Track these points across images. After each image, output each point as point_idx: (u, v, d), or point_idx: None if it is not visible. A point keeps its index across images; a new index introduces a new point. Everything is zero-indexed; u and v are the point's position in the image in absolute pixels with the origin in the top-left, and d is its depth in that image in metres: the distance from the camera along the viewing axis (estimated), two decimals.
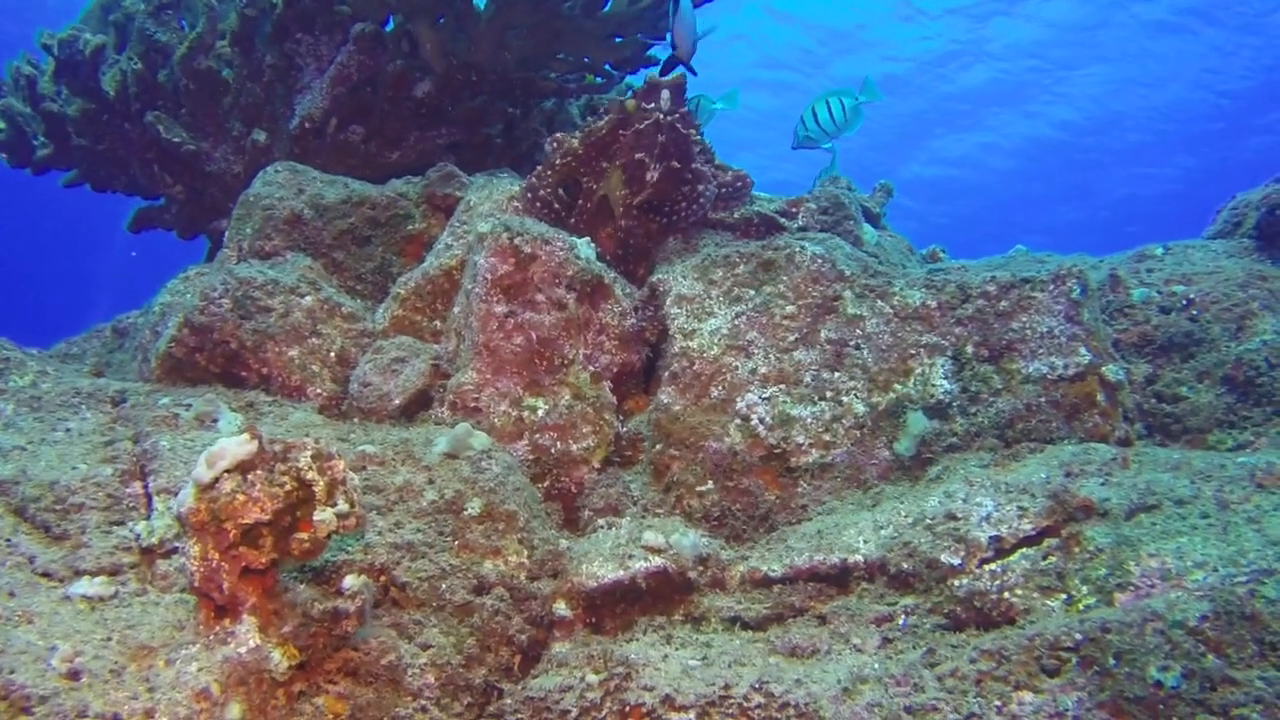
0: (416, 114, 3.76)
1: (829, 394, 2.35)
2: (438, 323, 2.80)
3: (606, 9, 3.76)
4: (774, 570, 2.03)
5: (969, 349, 2.38)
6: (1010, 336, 2.35)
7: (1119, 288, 2.74)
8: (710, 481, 2.34)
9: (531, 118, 4.23)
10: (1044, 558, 1.73)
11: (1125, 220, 23.63)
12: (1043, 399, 2.28)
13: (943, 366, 2.37)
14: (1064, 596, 1.67)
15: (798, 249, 2.49)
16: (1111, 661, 1.45)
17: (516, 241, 2.47)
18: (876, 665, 1.65)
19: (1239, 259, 2.83)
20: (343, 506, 1.78)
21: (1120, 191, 22.88)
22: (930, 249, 3.55)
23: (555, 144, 2.85)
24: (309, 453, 1.75)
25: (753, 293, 2.48)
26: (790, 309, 2.44)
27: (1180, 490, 1.76)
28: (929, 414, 2.34)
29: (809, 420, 2.33)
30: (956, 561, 1.78)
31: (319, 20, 3.53)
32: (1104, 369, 2.27)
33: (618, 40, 3.78)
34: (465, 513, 2.23)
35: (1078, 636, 1.49)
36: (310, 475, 1.74)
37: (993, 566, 1.76)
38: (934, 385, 2.36)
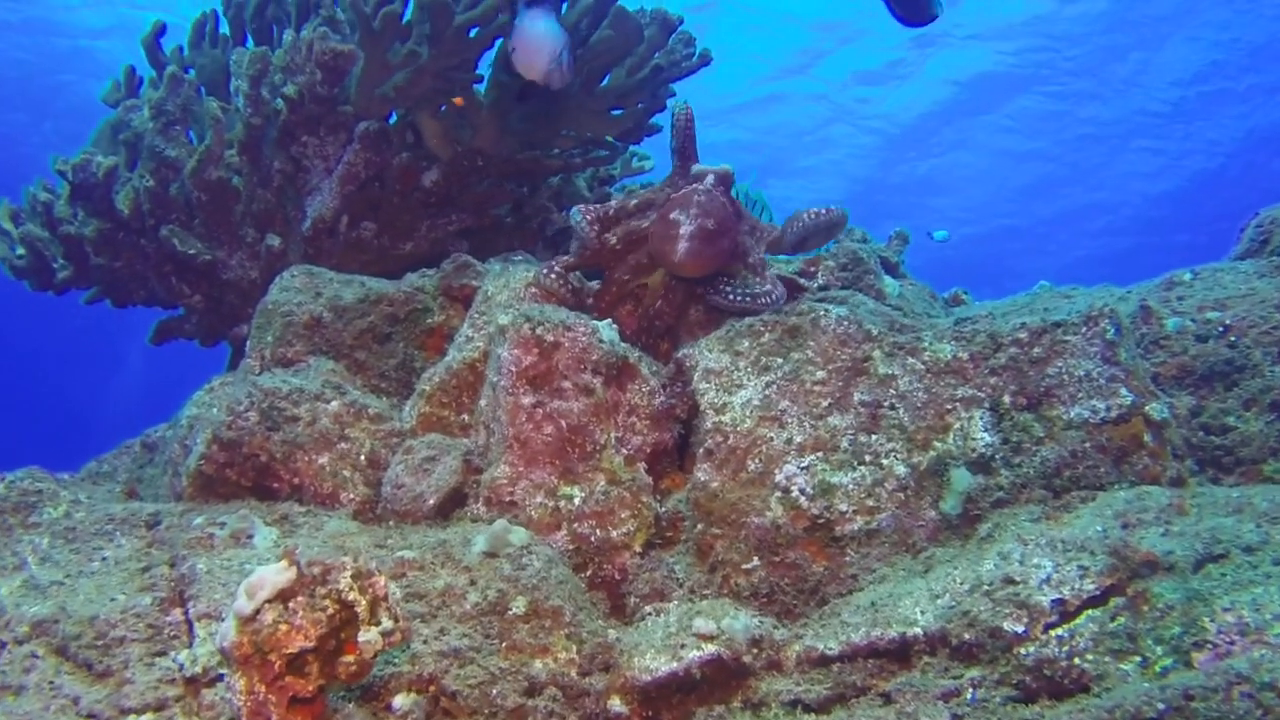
0: (426, 204, 3.77)
1: (868, 458, 2.30)
2: (465, 416, 2.77)
3: (605, 83, 3.78)
4: (831, 648, 1.97)
5: (1006, 399, 2.33)
6: (1048, 383, 2.30)
7: (1151, 319, 2.69)
8: (755, 558, 2.29)
9: (539, 194, 4.24)
10: (1112, 619, 1.67)
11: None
12: (1088, 444, 2.23)
13: (981, 419, 2.33)
14: (1138, 659, 1.61)
15: (821, 312, 2.46)
16: None
17: (539, 331, 2.45)
18: None
19: (1271, 278, 2.77)
20: (387, 624, 1.75)
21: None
22: (953, 292, 3.51)
23: (589, 244, 2.82)
24: (349, 573, 1.73)
25: (781, 361, 2.44)
26: (820, 374, 2.40)
27: (1247, 536, 1.70)
28: (972, 469, 2.29)
29: (850, 487, 2.28)
30: (1020, 629, 1.72)
31: (323, 122, 3.56)
32: (1148, 408, 2.21)
33: (617, 113, 3.80)
34: (510, 612, 2.18)
35: (1160, 706, 1.42)
36: (352, 596, 1.72)
37: (1059, 631, 1.70)
38: (974, 439, 2.31)
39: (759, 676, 2.04)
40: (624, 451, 2.51)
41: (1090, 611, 1.70)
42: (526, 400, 2.45)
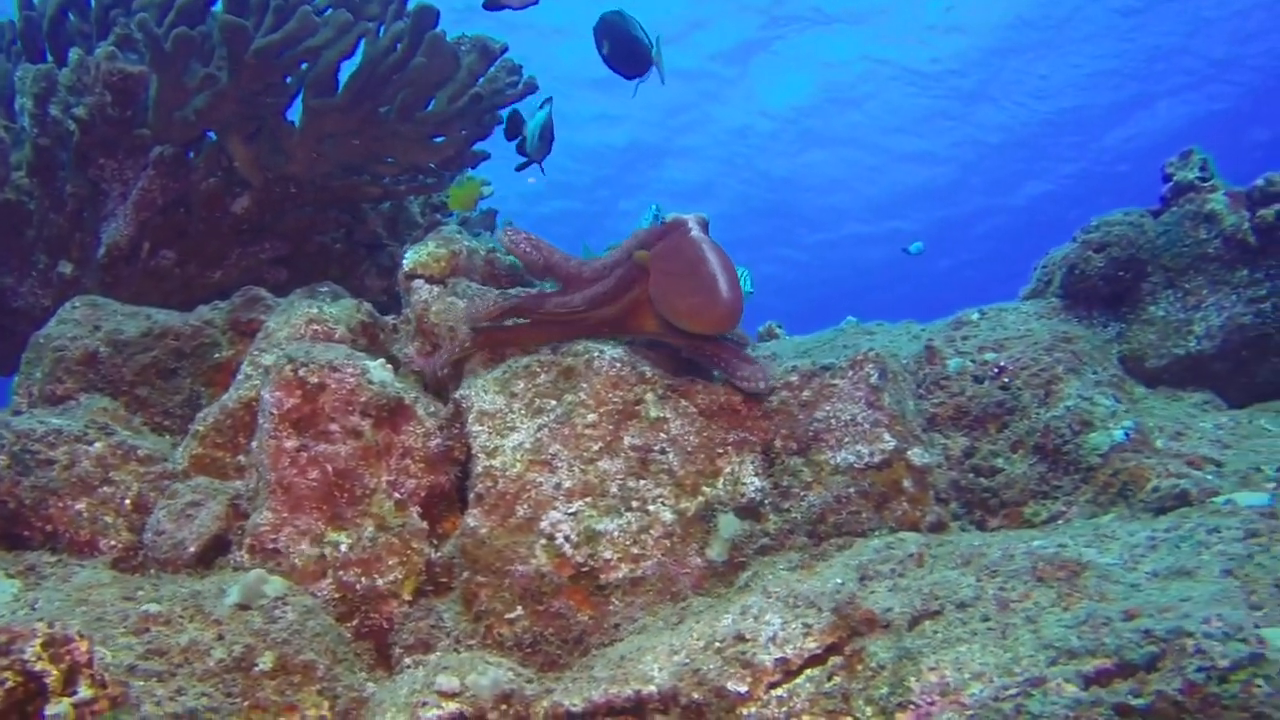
0: (237, 231, 3.64)
1: (635, 504, 2.26)
2: (241, 458, 2.66)
3: (427, 109, 3.70)
4: (575, 705, 1.91)
5: (778, 443, 2.32)
6: (816, 427, 2.29)
7: (935, 359, 2.71)
8: (520, 607, 2.22)
9: (369, 221, 4.14)
10: (829, 678, 1.64)
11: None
12: (852, 489, 2.22)
13: (752, 463, 2.30)
14: (850, 719, 1.58)
15: (596, 353, 2.41)
16: None
17: (301, 373, 2.36)
18: None
19: (1048, 320, 2.82)
20: (85, 693, 1.63)
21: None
22: (766, 326, 3.51)
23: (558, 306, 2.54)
24: (38, 640, 1.61)
25: (554, 403, 2.39)
26: (592, 417, 2.35)
27: (963, 591, 1.69)
28: (741, 514, 2.27)
29: (616, 533, 2.23)
30: (744, 689, 1.69)
31: (121, 145, 3.40)
32: (909, 453, 2.21)
33: (439, 140, 3.72)
34: (256, 668, 2.08)
35: None
36: (40, 666, 1.59)
37: (779, 691, 1.66)
38: (744, 484, 2.28)
39: None
40: (396, 495, 2.42)
41: (810, 671, 1.67)
42: (289, 444, 2.35)
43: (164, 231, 3.50)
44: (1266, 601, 1.57)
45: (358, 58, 3.48)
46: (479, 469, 2.37)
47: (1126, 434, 2.33)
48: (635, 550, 2.23)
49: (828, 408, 2.29)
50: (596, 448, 2.33)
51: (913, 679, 1.56)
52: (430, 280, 2.77)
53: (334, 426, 2.38)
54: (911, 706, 1.54)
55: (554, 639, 2.22)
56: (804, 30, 16.35)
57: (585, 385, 2.39)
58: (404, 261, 2.80)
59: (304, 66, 3.40)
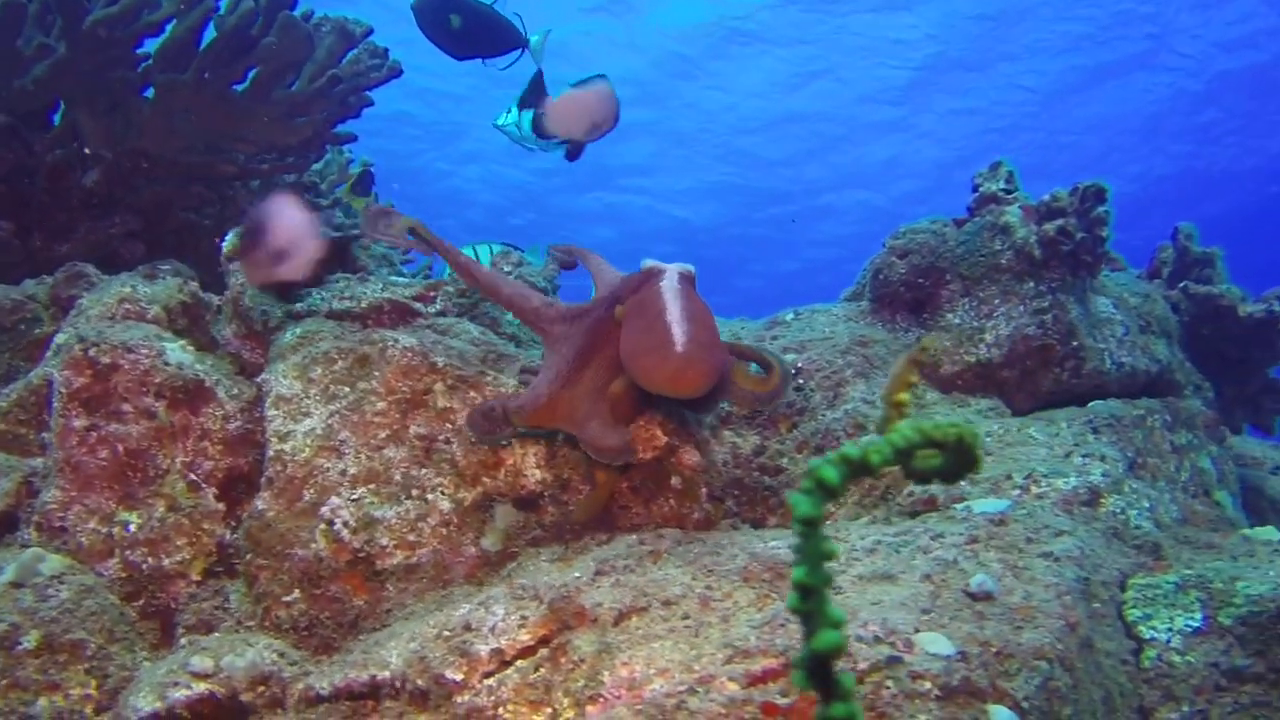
0: (87, 204, 3.61)
1: (415, 492, 2.30)
2: (46, 435, 2.66)
3: (290, 88, 3.70)
4: (324, 688, 1.95)
5: (560, 436, 2.36)
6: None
7: None
8: (297, 590, 2.26)
9: (238, 199, 4.12)
10: (535, 669, 1.70)
11: None
12: (625, 484, 2.27)
13: (535, 455, 2.35)
14: (549, 710, 1.64)
15: (390, 342, 2.44)
16: None
17: (92, 353, 2.37)
18: None
19: (853, 323, 2.89)
20: None
21: None
22: None
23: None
24: None
25: (348, 390, 2.42)
26: (381, 405, 2.38)
27: (673, 589, 1.75)
28: (520, 505, 2.32)
29: (394, 521, 2.27)
30: (459, 678, 1.74)
31: None
32: (680, 451, 2.27)
33: (298, 121, 3.72)
34: (19, 647, 2.11)
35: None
36: None
37: (490, 681, 1.72)
38: (525, 475, 2.33)
39: (260, 715, 2.02)
40: (191, 477, 2.45)
41: (520, 662, 1.72)
42: (78, 423, 2.36)
43: (8, 202, 3.47)
44: (948, 606, 1.65)
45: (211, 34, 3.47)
46: (271, 453, 2.40)
47: None
48: (412, 538, 2.27)
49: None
50: (384, 435, 2.37)
51: (606, 673, 1.62)
52: None
53: (126, 407, 2.40)
54: (601, 699, 1.60)
55: (329, 623, 2.26)
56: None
57: (378, 373, 2.42)
58: (224, 243, 2.81)
59: (153, 41, 3.38)
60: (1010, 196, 2.92)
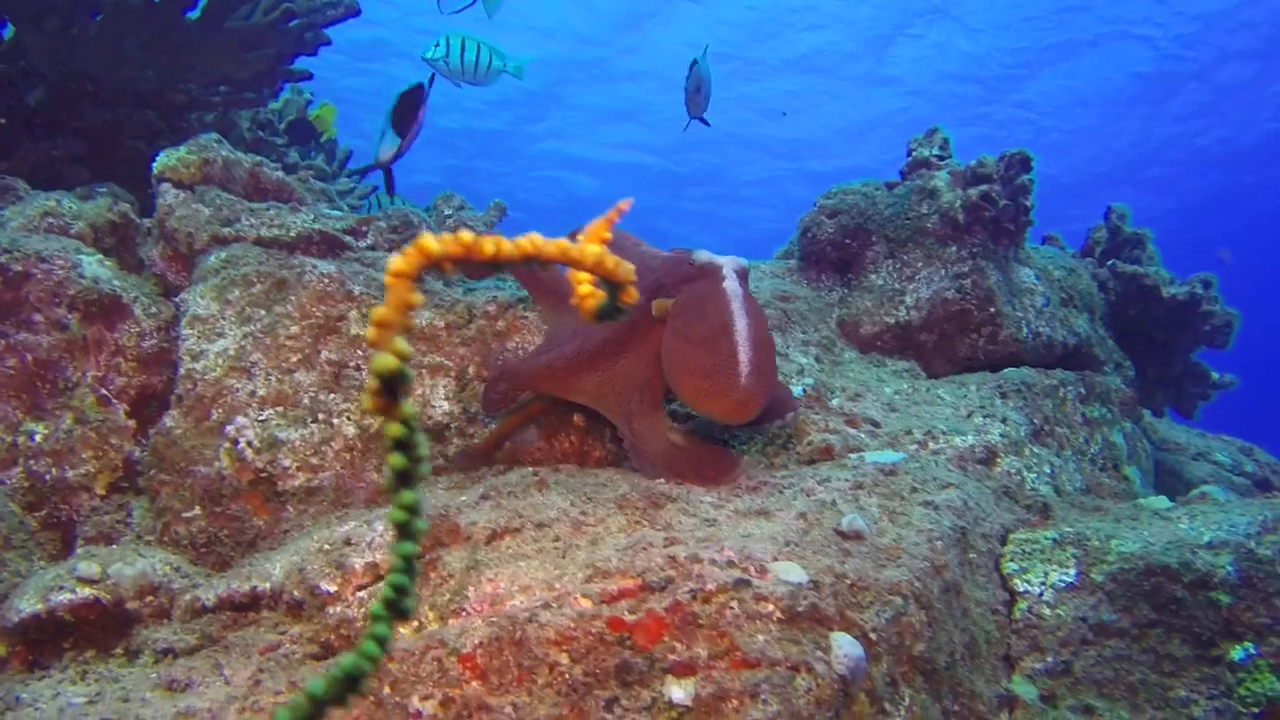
0: (30, 124, 3.59)
1: (321, 416, 2.31)
2: None
3: (246, 20, 3.67)
4: (208, 599, 1.96)
5: (471, 369, 2.37)
6: (506, 357, 2.35)
7: None
8: (198, 507, 2.27)
9: (191, 130, 4.09)
10: None
11: None
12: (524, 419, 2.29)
13: (445, 387, 2.36)
14: (415, 623, 1.66)
15: (309, 268, 2.44)
16: (386, 692, 1.44)
17: (4, 260, 2.36)
18: (229, 696, 1.61)
19: (779, 279, 2.90)
20: None
21: None
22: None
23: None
24: None
25: (264, 313, 2.42)
26: (295, 329, 2.39)
27: (548, 512, 1.77)
28: (426, 435, 2.32)
29: (298, 443, 2.28)
30: (333, 589, 1.75)
31: None
32: None
33: (252, 54, 3.69)
34: None
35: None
36: None
37: (363, 594, 1.73)
38: (433, 406, 2.34)
39: (146, 624, 2.02)
40: (102, 391, 2.45)
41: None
42: None
43: None
44: (816, 541, 1.67)
45: None
46: (182, 371, 2.40)
47: (804, 390, 2.43)
48: (315, 461, 2.28)
49: (518, 338, 2.35)
50: (295, 359, 2.37)
51: (472, 588, 1.63)
52: (179, 185, 2.77)
53: (37, 317, 2.39)
54: (463, 613, 1.61)
55: (228, 540, 2.27)
56: None
57: (294, 298, 2.43)
58: (154, 164, 2.80)
59: None
60: (942, 162, 2.94)
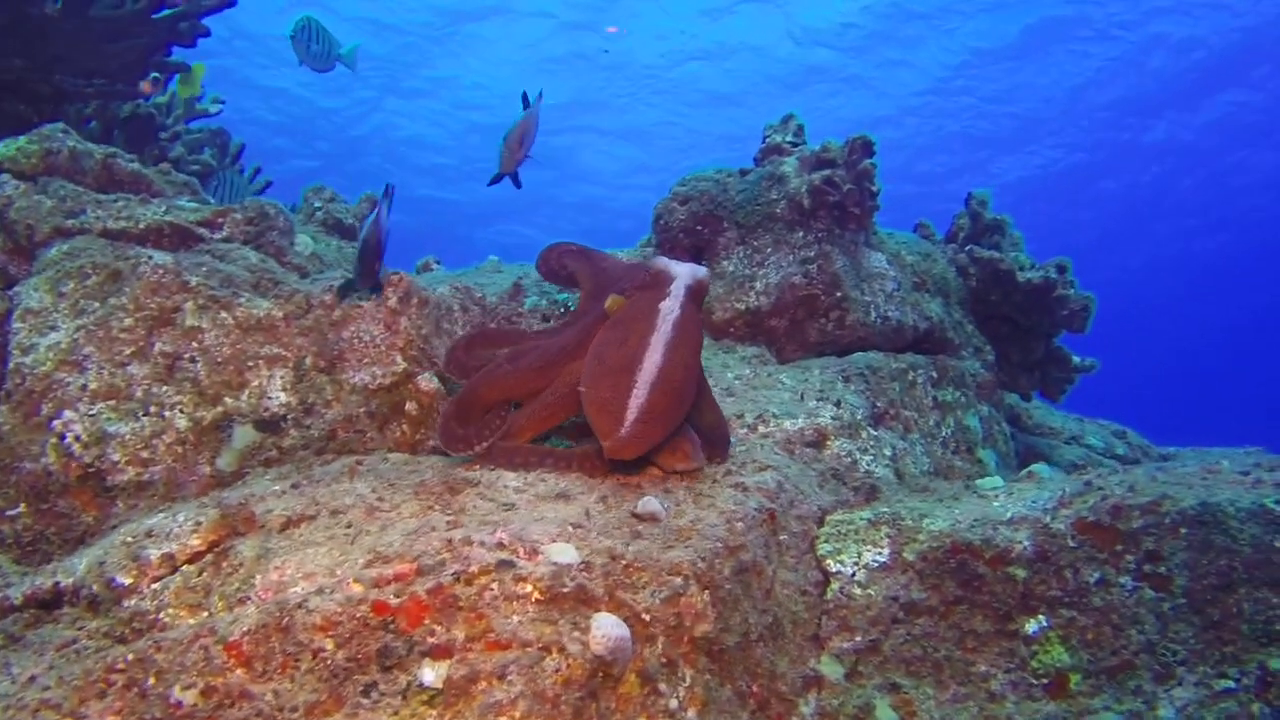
0: None
1: (153, 409, 2.28)
2: None
3: (115, 9, 3.62)
4: (15, 598, 1.93)
5: (309, 360, 2.35)
6: (342, 346, 2.34)
7: (519, 295, 2.78)
8: (23, 504, 2.23)
9: (68, 118, 4.02)
10: (199, 574, 1.69)
11: None
12: (362, 409, 2.27)
13: (281, 378, 2.34)
14: (205, 614, 1.64)
15: (144, 259, 2.41)
16: (150, 682, 1.42)
17: None
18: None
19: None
20: None
21: None
22: (424, 260, 3.53)
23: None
24: None
25: (97, 305, 2.38)
26: (129, 321, 2.35)
27: (345, 499, 1.76)
28: (261, 427, 2.30)
29: (128, 437, 2.25)
30: (128, 581, 1.73)
31: None
32: (419, 378, 2.28)
33: (118, 45, 3.64)
34: None
35: (130, 656, 1.45)
36: None
37: (156, 586, 1.71)
38: (269, 398, 2.31)
39: None
40: None
41: (187, 567, 1.72)
42: None
43: None
44: (608, 524, 1.67)
45: None
46: (11, 365, 2.36)
47: None
48: (145, 455, 2.25)
49: (354, 328, 2.34)
50: (128, 351, 2.34)
51: (259, 576, 1.62)
52: (19, 176, 2.72)
53: None
54: (250, 601, 1.60)
55: (55, 538, 2.23)
56: None
57: (128, 289, 2.39)
58: None
59: None
60: (795, 148, 2.96)
